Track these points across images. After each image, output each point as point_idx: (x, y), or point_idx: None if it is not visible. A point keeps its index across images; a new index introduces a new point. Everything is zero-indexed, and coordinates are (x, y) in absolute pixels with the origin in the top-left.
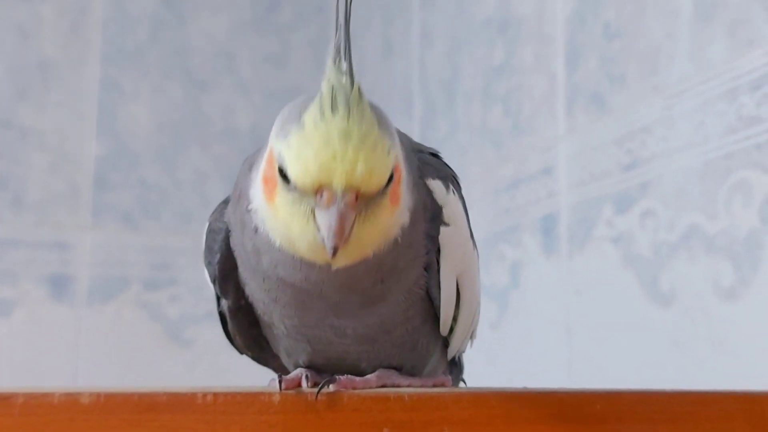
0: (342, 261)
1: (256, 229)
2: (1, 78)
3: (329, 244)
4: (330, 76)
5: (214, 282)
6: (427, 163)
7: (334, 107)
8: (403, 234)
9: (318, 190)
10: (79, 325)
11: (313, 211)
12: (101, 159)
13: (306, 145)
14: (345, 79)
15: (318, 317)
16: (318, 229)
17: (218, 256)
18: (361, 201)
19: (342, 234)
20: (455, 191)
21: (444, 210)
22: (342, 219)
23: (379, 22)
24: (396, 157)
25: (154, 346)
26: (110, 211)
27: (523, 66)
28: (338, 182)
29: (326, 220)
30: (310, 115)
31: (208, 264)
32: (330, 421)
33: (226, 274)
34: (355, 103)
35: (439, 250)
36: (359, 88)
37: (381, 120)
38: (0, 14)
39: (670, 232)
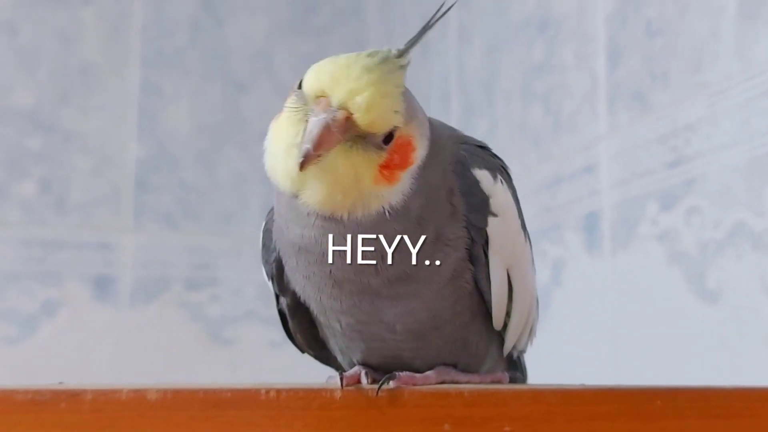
0: (314, 189)
1: (277, 193)
2: (45, 82)
3: (303, 147)
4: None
5: (271, 280)
6: (473, 154)
7: (372, 54)
8: (394, 210)
9: (318, 97)
10: (121, 326)
11: (306, 120)
12: (142, 161)
13: (330, 61)
14: (394, 50)
15: (364, 308)
16: (302, 134)
17: (274, 254)
18: (352, 131)
19: (318, 142)
20: (504, 181)
21: (492, 200)
22: (325, 127)
23: (416, 22)
24: (404, 128)
25: (195, 345)
26: (151, 213)
27: (563, 65)
28: (338, 95)
29: (312, 123)
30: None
31: (265, 262)
32: (392, 417)
33: (283, 271)
34: (390, 62)
35: (487, 242)
36: (400, 60)
37: (405, 95)
38: (42, 20)
39: (716, 229)
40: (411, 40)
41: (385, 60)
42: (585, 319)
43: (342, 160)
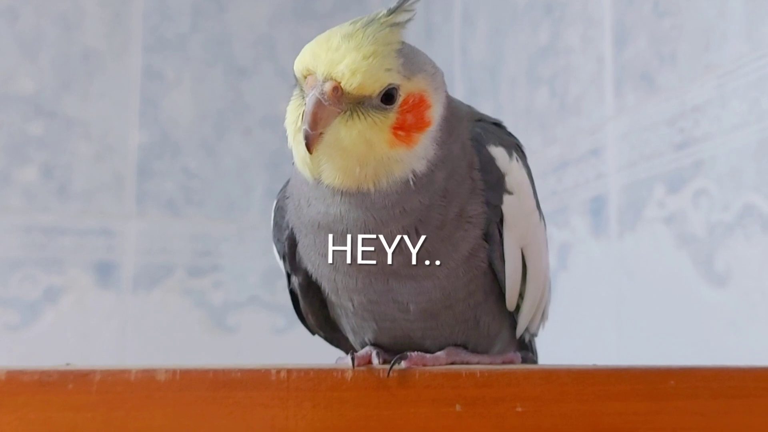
0: (328, 167)
1: (296, 171)
2: (46, 69)
3: (302, 129)
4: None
5: (283, 259)
6: (489, 131)
7: (355, 21)
8: (419, 180)
9: (307, 76)
10: (124, 312)
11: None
12: (144, 147)
13: (314, 40)
14: (383, 11)
15: (376, 287)
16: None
17: (286, 232)
18: (345, 100)
19: (313, 120)
20: (519, 159)
21: (507, 178)
22: (316, 104)
23: (419, 6)
24: (409, 84)
25: (198, 332)
26: (154, 199)
27: (569, 47)
28: (321, 68)
29: (306, 104)
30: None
31: (277, 241)
32: (402, 398)
33: (295, 249)
34: (376, 23)
35: (502, 221)
36: (390, 18)
37: (404, 51)
38: (44, 6)
39: (725, 211)
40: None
41: (371, 22)
42: (592, 303)
43: (345, 131)
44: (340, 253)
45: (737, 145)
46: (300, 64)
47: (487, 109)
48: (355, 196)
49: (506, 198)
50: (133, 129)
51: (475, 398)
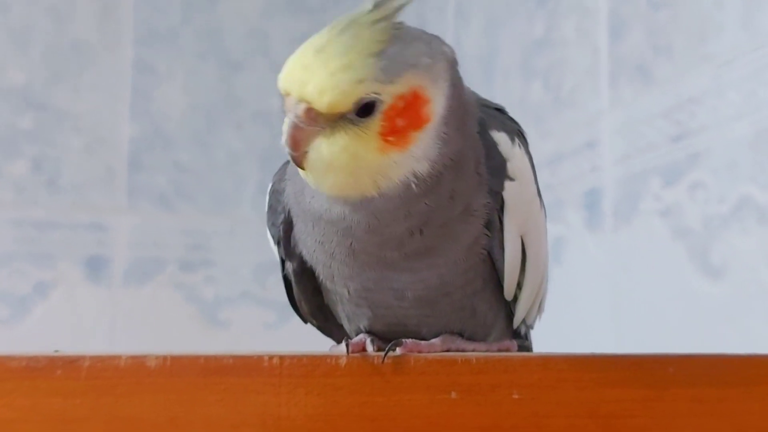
0: (322, 182)
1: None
2: (36, 61)
3: (286, 150)
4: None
5: (278, 244)
6: (492, 116)
7: (333, 26)
8: (423, 182)
9: (285, 96)
10: (115, 307)
11: None
12: (135, 141)
13: (294, 55)
14: (368, 6)
15: (372, 274)
16: None
17: (282, 216)
18: (322, 118)
19: (293, 142)
20: (521, 145)
21: (509, 164)
22: (292, 127)
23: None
24: (396, 86)
25: (189, 327)
26: (145, 193)
27: (564, 39)
28: (294, 90)
29: (285, 125)
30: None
31: (272, 225)
32: (396, 385)
33: (290, 234)
34: (356, 25)
35: (502, 208)
36: (374, 14)
37: (385, 50)
38: None
39: (721, 203)
40: None
41: (349, 25)
42: (587, 297)
43: (328, 148)
44: (338, 241)
45: (733, 137)
46: (280, 84)
47: None
48: (359, 202)
49: (507, 184)
50: (124, 122)
51: (470, 385)
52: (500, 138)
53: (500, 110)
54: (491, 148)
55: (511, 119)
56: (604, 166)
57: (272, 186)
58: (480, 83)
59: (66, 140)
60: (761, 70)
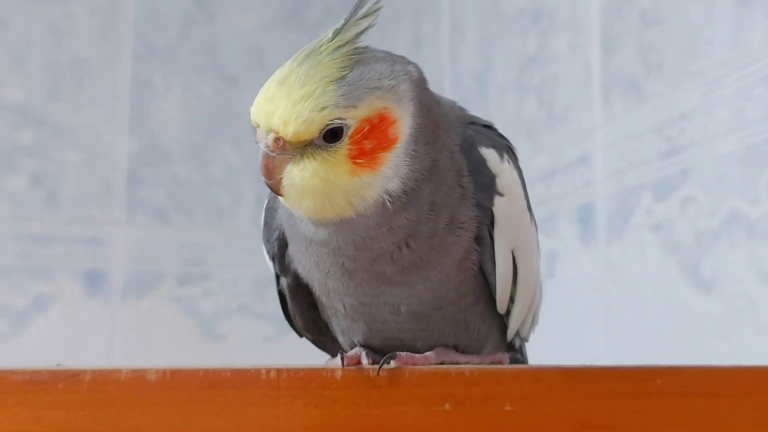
0: (298, 207)
1: None
2: (36, 76)
3: (262, 179)
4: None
5: (273, 259)
6: (480, 133)
7: (296, 57)
8: (397, 198)
9: (256, 127)
10: (114, 320)
11: None
12: (134, 156)
13: (263, 87)
14: (329, 34)
15: (368, 290)
16: None
17: (276, 233)
18: (291, 147)
19: (266, 171)
20: (510, 161)
21: (498, 179)
22: (264, 156)
23: (409, 17)
24: (360, 110)
25: (187, 340)
26: (143, 208)
27: (557, 56)
28: (262, 121)
29: (259, 156)
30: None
31: (267, 241)
32: (392, 397)
33: (285, 250)
34: (316, 54)
35: (492, 223)
36: (334, 42)
37: (345, 77)
38: (34, 13)
39: (712, 218)
40: (349, 14)
41: (309, 55)
42: (580, 310)
43: (299, 174)
44: (332, 261)
45: (723, 152)
46: (251, 114)
47: None
48: (339, 223)
49: (497, 200)
50: (122, 137)
51: (464, 397)
52: (489, 154)
53: (489, 127)
54: (480, 164)
55: (501, 135)
56: (597, 181)
57: (267, 203)
58: (475, 99)
59: (65, 155)
60: (750, 87)
